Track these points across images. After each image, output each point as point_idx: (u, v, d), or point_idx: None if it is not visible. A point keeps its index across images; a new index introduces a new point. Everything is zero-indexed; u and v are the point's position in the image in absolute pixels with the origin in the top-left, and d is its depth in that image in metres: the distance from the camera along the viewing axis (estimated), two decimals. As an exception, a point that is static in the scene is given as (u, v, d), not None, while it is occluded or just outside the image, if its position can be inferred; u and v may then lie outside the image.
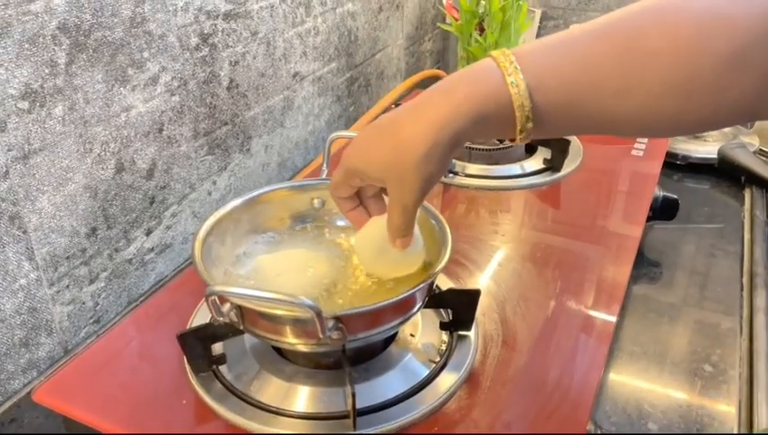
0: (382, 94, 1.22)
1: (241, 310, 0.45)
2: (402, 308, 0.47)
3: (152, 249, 0.74)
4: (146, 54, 0.67)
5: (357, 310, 0.44)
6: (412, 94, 1.13)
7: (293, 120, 0.96)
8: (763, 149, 1.06)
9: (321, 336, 0.42)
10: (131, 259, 0.71)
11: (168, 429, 0.48)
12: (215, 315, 0.42)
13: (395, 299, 0.45)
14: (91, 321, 0.68)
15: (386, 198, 0.48)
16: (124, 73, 0.65)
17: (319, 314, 0.40)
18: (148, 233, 0.73)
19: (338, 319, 0.43)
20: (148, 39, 0.67)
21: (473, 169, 0.84)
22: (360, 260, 0.52)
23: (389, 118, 0.43)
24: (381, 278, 0.52)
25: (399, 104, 0.94)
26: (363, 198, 0.50)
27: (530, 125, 0.39)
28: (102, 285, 0.68)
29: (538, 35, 1.51)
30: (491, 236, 0.72)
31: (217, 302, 0.42)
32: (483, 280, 0.64)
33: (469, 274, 0.65)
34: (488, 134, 0.43)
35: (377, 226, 0.49)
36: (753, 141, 1.04)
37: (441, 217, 0.54)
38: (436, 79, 1.29)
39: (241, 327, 0.47)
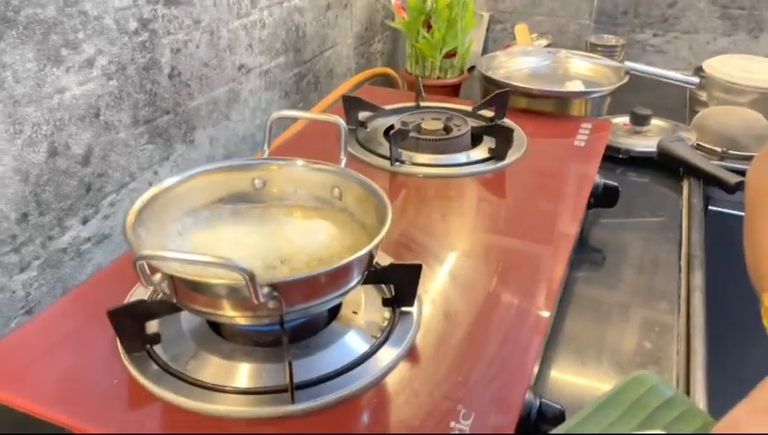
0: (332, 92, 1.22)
1: (173, 281, 0.44)
2: (339, 278, 0.47)
3: (89, 239, 0.72)
4: (81, 35, 0.65)
5: (292, 277, 0.43)
6: (361, 90, 1.13)
7: (240, 114, 0.95)
8: (701, 143, 1.10)
9: (255, 303, 0.41)
10: (66, 248, 0.69)
11: (100, 408, 0.46)
12: (144, 283, 0.41)
13: (331, 268, 0.44)
14: (22, 311, 0.65)
15: None
16: (57, 54, 0.63)
17: (252, 277, 0.39)
18: (85, 222, 0.70)
19: (273, 287, 0.42)
20: (83, 20, 0.65)
21: (420, 157, 0.84)
22: None
23: None
24: None
25: (355, 97, 0.94)
26: None
27: None
28: (35, 274, 0.66)
29: (486, 39, 1.54)
30: (437, 222, 0.72)
31: (146, 269, 0.40)
32: (428, 261, 0.64)
33: (415, 256, 0.65)
34: None
35: None
36: (691, 137, 1.08)
37: (382, 192, 0.54)
38: (385, 76, 1.31)
39: (174, 300, 0.45)
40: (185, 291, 0.45)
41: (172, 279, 0.43)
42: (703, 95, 1.34)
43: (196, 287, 0.44)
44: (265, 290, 0.41)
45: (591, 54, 1.22)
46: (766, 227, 0.43)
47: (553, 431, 0.44)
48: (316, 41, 1.14)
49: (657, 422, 0.37)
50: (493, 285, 0.60)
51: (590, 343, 0.66)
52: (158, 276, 0.43)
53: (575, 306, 0.72)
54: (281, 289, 0.43)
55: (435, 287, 0.60)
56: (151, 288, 0.54)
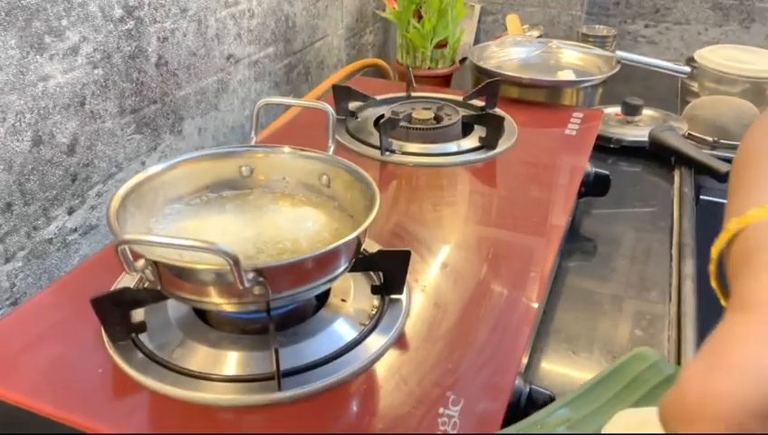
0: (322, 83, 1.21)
1: (157, 267, 0.43)
2: (326, 264, 0.46)
3: (75, 230, 0.71)
4: (64, 22, 0.64)
5: (278, 263, 0.42)
6: (352, 81, 1.12)
7: (228, 104, 0.94)
8: (692, 133, 1.10)
9: (240, 288, 0.40)
10: (52, 239, 0.68)
11: (85, 399, 0.45)
12: (126, 270, 0.40)
13: (317, 253, 0.44)
14: (8, 302, 0.64)
15: None
16: (41, 41, 0.62)
17: (236, 262, 0.38)
18: (71, 212, 0.70)
19: (259, 272, 0.42)
20: (66, 6, 0.64)
21: (411, 147, 0.84)
22: None
23: None
24: None
25: (345, 86, 0.94)
26: None
27: None
28: (20, 264, 0.65)
29: (478, 30, 1.53)
30: (428, 211, 0.71)
31: (129, 254, 0.40)
32: (419, 250, 0.64)
33: (406, 245, 0.65)
34: None
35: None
36: (682, 126, 1.08)
37: (369, 178, 0.54)
38: (375, 67, 1.30)
39: (159, 287, 0.45)
40: (169, 277, 0.44)
41: (156, 265, 0.43)
42: (694, 85, 1.34)
43: (181, 273, 0.43)
44: (251, 275, 0.41)
45: (583, 44, 1.21)
46: (744, 188, 0.41)
47: (546, 408, 0.43)
48: (306, 31, 1.13)
49: (655, 399, 0.36)
50: (483, 273, 0.60)
51: (582, 332, 0.66)
52: (141, 262, 0.42)
53: (566, 296, 0.71)
54: (266, 274, 0.42)
55: (425, 276, 0.59)
56: (137, 277, 0.53)
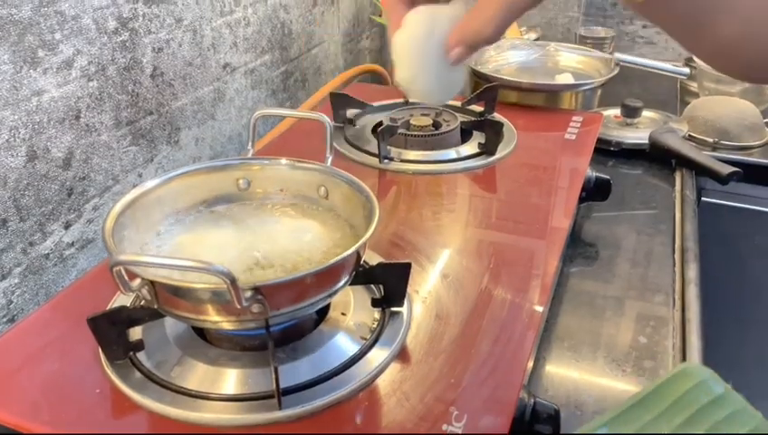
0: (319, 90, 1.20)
1: (154, 286, 0.42)
2: (326, 279, 0.45)
3: (72, 244, 0.70)
4: (58, 36, 0.64)
5: (277, 280, 0.42)
6: (350, 87, 1.11)
7: (225, 113, 0.94)
8: (692, 134, 1.09)
9: (238, 307, 0.39)
10: (48, 254, 0.67)
11: (82, 420, 0.45)
12: (122, 290, 0.39)
13: (316, 269, 0.43)
14: (5, 320, 0.64)
15: None
16: (34, 55, 0.62)
17: (233, 281, 0.38)
18: (67, 226, 0.69)
19: (257, 290, 0.41)
20: (60, 20, 0.63)
21: (409, 154, 0.83)
22: (396, 63, 0.43)
23: None
24: (412, 96, 0.45)
25: (342, 94, 0.93)
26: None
27: None
28: (16, 281, 0.64)
29: (475, 33, 1.52)
30: (428, 219, 0.71)
31: (124, 275, 0.39)
32: (419, 259, 0.63)
33: (406, 254, 0.64)
34: None
35: (432, 21, 0.40)
36: (683, 127, 1.07)
37: (368, 189, 0.53)
38: (372, 73, 1.29)
39: (155, 306, 0.44)
40: (166, 296, 0.43)
41: (152, 284, 0.42)
42: (693, 86, 1.33)
43: (177, 292, 0.42)
44: (248, 294, 0.40)
45: (581, 47, 1.21)
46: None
47: (583, 427, 0.42)
48: (303, 38, 1.12)
49: (701, 422, 0.34)
50: (484, 282, 0.59)
51: (585, 339, 0.65)
52: (137, 282, 0.41)
53: (569, 302, 0.71)
54: (265, 292, 0.41)
55: (425, 286, 0.59)
56: (134, 294, 0.52)
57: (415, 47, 0.41)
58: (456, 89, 0.45)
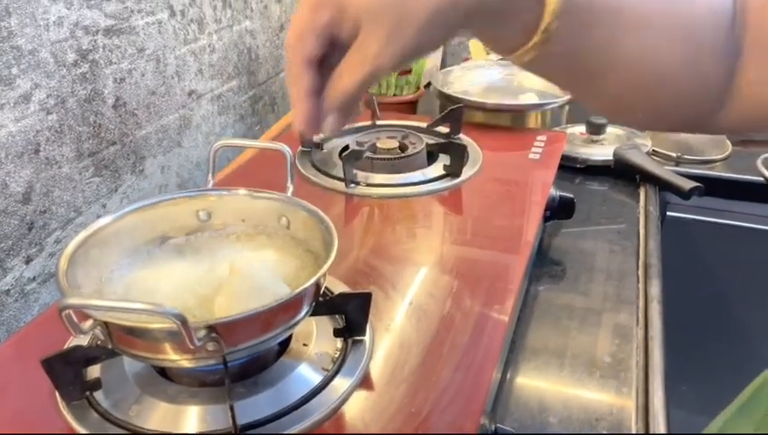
0: (287, 115, 1.21)
1: (107, 327, 0.42)
2: (283, 313, 0.45)
3: (34, 279, 0.69)
4: (14, 71, 0.63)
5: (231, 318, 0.41)
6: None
7: (192, 140, 0.94)
8: (656, 149, 1.11)
9: (191, 347, 0.39)
10: (9, 290, 0.66)
11: (36, 465, 0.44)
12: (72, 333, 0.39)
13: (273, 305, 0.43)
14: (-37, 359, 0.62)
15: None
16: (-10, 91, 0.61)
17: (184, 322, 0.38)
18: (28, 261, 0.68)
19: (211, 328, 0.41)
20: (16, 54, 0.63)
21: (376, 178, 0.83)
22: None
23: None
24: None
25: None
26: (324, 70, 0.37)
27: (554, 25, 0.34)
28: (-25, 319, 0.63)
29: (444, 53, 1.54)
30: (393, 244, 0.71)
31: (73, 318, 0.39)
32: (384, 286, 0.63)
33: (371, 281, 0.64)
34: (503, 22, 0.35)
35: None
36: (647, 142, 1.09)
37: (328, 220, 0.53)
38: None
39: (110, 346, 0.43)
40: (120, 336, 0.43)
41: (106, 325, 0.42)
42: (658, 101, 1.36)
43: (132, 332, 0.42)
44: (202, 333, 0.40)
45: (546, 65, 1.23)
46: None
47: None
48: (270, 62, 1.13)
49: None
50: (447, 307, 0.59)
51: (551, 359, 0.65)
52: (89, 323, 0.41)
53: (536, 321, 0.71)
54: (219, 329, 0.41)
55: (389, 314, 0.59)
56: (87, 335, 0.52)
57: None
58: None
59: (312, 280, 0.46)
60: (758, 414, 0.42)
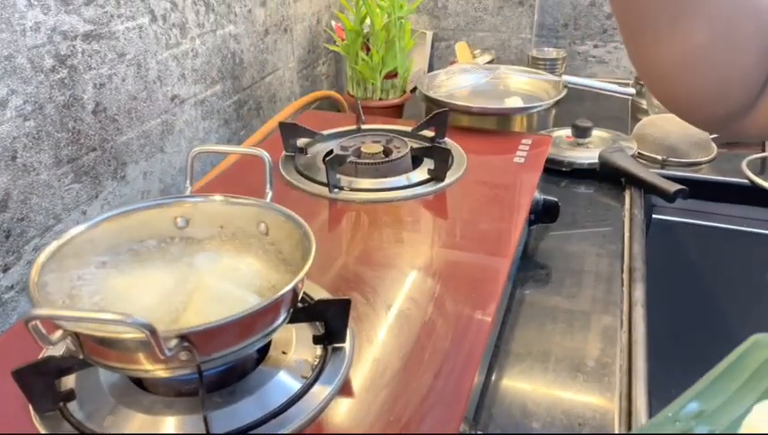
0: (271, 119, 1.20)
1: (78, 337, 0.41)
2: (258, 321, 0.45)
3: (12, 287, 0.68)
4: (-10, 77, 0.62)
5: (202, 327, 0.41)
6: (304, 115, 1.11)
7: (175, 145, 0.93)
8: (642, 152, 1.11)
9: (162, 357, 0.39)
10: (-14, 299, 0.65)
11: (7, 478, 0.43)
12: (41, 344, 0.38)
13: (247, 313, 0.42)
14: (-62, 370, 0.61)
15: None
16: (-36, 97, 0.60)
17: (153, 332, 0.37)
18: (6, 270, 0.67)
19: (183, 338, 0.40)
20: (-9, 60, 0.62)
21: (360, 183, 0.83)
22: None
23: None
24: None
25: (291, 123, 0.93)
26: None
27: None
28: (-50, 329, 0.62)
29: (431, 56, 1.54)
30: (376, 249, 0.70)
31: (41, 328, 0.38)
32: (366, 292, 0.63)
33: (353, 287, 0.63)
34: None
35: None
36: (632, 145, 1.09)
37: (306, 225, 0.53)
38: (329, 99, 1.29)
39: (81, 356, 0.43)
40: (92, 346, 0.42)
41: (76, 335, 0.41)
42: (644, 103, 1.36)
43: (102, 342, 0.41)
44: (173, 342, 0.39)
45: (530, 69, 1.23)
46: None
47: (672, 404, 0.42)
48: (255, 67, 1.12)
49: None
50: (428, 313, 0.59)
51: (535, 363, 0.65)
52: (58, 334, 0.40)
53: (520, 325, 0.71)
54: (192, 339, 0.41)
55: (370, 320, 0.58)
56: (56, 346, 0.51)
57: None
58: None
59: (289, 287, 0.46)
60: (745, 374, 0.43)
